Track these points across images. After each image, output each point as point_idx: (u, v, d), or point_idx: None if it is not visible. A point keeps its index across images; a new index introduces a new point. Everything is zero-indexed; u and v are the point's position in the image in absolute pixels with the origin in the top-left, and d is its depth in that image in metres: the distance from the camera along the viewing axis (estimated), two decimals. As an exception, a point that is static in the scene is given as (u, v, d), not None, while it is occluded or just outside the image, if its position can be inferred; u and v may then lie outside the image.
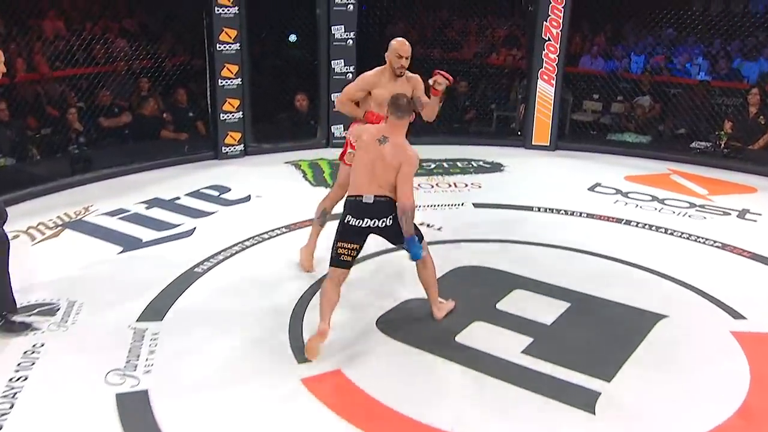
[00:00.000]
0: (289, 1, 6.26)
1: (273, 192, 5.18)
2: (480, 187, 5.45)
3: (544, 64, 6.47)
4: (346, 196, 3.21)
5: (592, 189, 5.46)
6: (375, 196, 3.10)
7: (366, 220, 3.11)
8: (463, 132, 7.23)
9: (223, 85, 5.95)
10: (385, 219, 3.12)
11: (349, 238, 3.12)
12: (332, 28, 6.26)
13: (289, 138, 6.54)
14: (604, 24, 7.47)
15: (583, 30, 7.83)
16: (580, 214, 4.82)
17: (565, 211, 4.88)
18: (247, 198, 5.03)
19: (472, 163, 6.20)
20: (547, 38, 6.40)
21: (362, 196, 3.11)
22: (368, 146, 3.14)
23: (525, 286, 3.61)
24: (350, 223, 3.12)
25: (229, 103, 6.01)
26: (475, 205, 4.96)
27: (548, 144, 6.69)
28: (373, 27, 6.73)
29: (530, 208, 4.91)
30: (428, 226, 4.46)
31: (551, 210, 4.89)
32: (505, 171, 5.99)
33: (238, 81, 6.00)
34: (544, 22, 6.37)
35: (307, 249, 3.85)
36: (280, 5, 6.31)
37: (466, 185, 5.47)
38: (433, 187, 5.43)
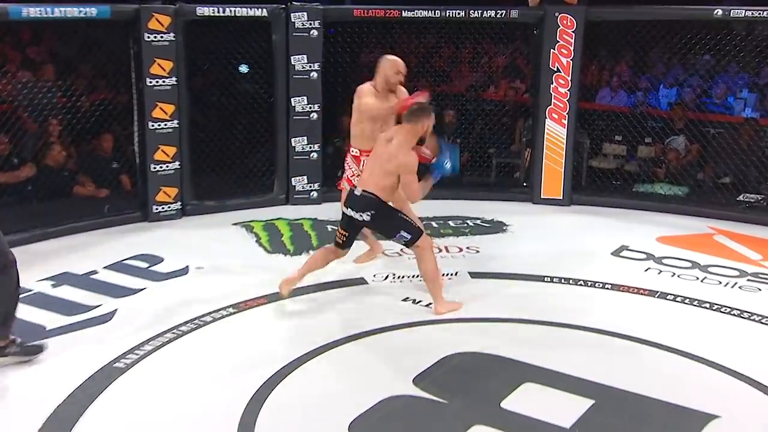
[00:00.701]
0: (238, 25, 6.44)
1: (218, 262, 5.21)
2: (477, 251, 5.54)
3: (553, 100, 6.70)
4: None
5: (617, 254, 5.56)
6: (363, 190, 4.26)
7: (350, 210, 4.30)
8: (455, 182, 7.30)
9: (155, 129, 6.04)
10: (362, 214, 4.27)
11: (343, 225, 4.40)
12: (291, 58, 6.46)
13: (240, 194, 6.63)
14: (625, 50, 7.75)
15: (600, 58, 8.16)
16: (604, 285, 4.89)
17: (584, 281, 4.95)
18: (185, 270, 5.05)
19: (467, 221, 6.29)
20: (555, 68, 6.65)
21: (356, 188, 4.32)
22: (380, 144, 4.32)
23: (537, 378, 3.62)
24: (342, 209, 4.38)
25: (162, 150, 6.11)
26: (472, 275, 5.01)
27: (561, 197, 6.85)
28: (343, 56, 6.93)
29: (541, 279, 4.98)
30: (414, 301, 4.51)
31: (567, 280, 4.96)
32: (509, 231, 6.10)
33: (174, 123, 6.11)
34: (552, 50, 6.63)
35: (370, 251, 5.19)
36: (228, 30, 6.50)
37: (460, 249, 5.55)
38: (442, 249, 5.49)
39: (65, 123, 6.29)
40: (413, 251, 4.43)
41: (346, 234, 4.40)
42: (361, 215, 4.27)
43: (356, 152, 4.89)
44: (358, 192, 4.29)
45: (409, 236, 4.32)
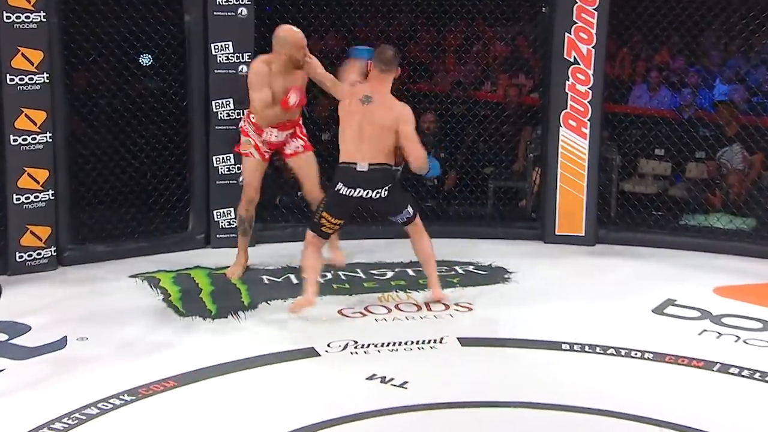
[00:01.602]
0: (138, 2, 6.45)
1: (109, 330, 5.17)
2: (470, 309, 5.57)
3: (570, 101, 6.77)
4: (339, 162, 5.09)
5: (660, 311, 5.57)
6: (369, 164, 5.01)
7: (359, 189, 5.01)
8: (439, 214, 7.37)
9: (19, 145, 5.98)
10: (379, 190, 5.06)
11: (336, 213, 5.14)
12: (212, 46, 6.47)
13: (141, 234, 6.58)
14: (667, 33, 7.82)
15: (633, 44, 8.28)
16: (642, 354, 4.88)
17: (615, 349, 4.94)
18: (61, 343, 5.00)
19: (456, 268, 6.30)
20: (572, 59, 6.74)
21: (355, 164, 5.01)
22: (351, 108, 5.07)
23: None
24: (341, 192, 5.04)
25: (29, 175, 6.05)
26: (463, 342, 5.03)
27: (582, 234, 6.91)
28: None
29: (556, 346, 4.99)
30: (383, 380, 4.50)
31: (592, 348, 4.95)
32: (512, 281, 6.13)
33: (46, 137, 6.06)
34: (567, 34, 6.72)
35: (239, 263, 6.12)
36: (123, 8, 6.48)
37: (447, 307, 5.58)
38: (390, 311, 5.55)
39: None
40: (408, 230, 5.39)
41: (341, 223, 5.25)
42: (378, 192, 5.10)
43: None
44: (363, 167, 5.04)
45: (412, 212, 5.28)
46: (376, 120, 5.09)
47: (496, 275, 6.21)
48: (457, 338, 5.07)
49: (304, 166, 6.05)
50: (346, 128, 5.16)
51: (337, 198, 5.14)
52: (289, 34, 5.72)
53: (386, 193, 5.14)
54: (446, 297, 5.58)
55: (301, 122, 6.07)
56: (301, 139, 6.06)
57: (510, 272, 6.27)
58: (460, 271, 6.26)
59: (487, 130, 7.56)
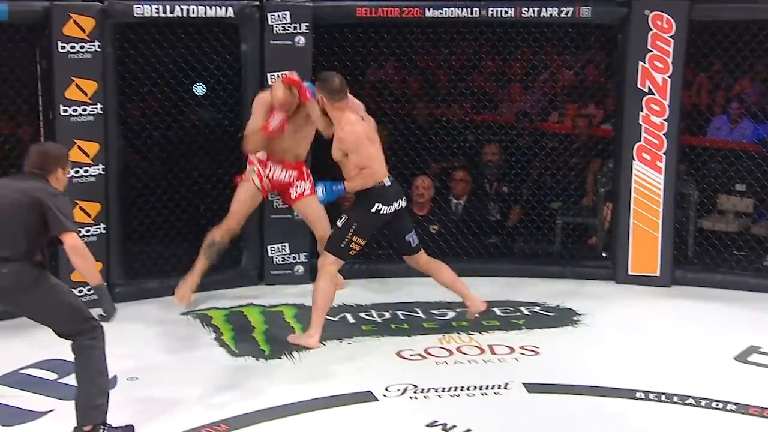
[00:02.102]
0: (193, 30, 6.49)
1: (159, 370, 5.20)
2: (537, 353, 5.52)
3: (644, 134, 6.70)
4: (373, 185, 5.43)
5: (742, 358, 5.48)
6: (387, 177, 5.52)
7: (393, 204, 5.47)
8: (503, 251, 7.32)
9: (71, 178, 5.97)
10: (400, 199, 5.57)
11: (367, 235, 5.52)
12: (268, 75, 6.51)
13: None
14: (749, 61, 7.67)
15: (712, 73, 8.17)
16: (725, 405, 4.79)
17: (694, 399, 4.86)
18: (111, 382, 4.81)
19: (522, 309, 6.28)
20: (646, 89, 6.67)
21: (383, 181, 5.47)
22: (368, 129, 5.55)
23: None
24: (381, 212, 5.44)
25: (80, 208, 6.11)
26: (530, 388, 4.99)
27: (658, 274, 6.81)
28: (342, 72, 7.00)
29: (631, 394, 4.93)
30: (445, 428, 4.46)
31: (669, 397, 4.88)
32: (582, 324, 6.09)
33: (98, 169, 6.14)
34: (641, 63, 6.66)
35: (188, 284, 6.16)
36: (178, 37, 6.53)
37: (511, 350, 5.55)
38: (451, 353, 5.49)
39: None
40: (420, 259, 5.79)
41: (365, 244, 5.55)
42: (400, 201, 5.56)
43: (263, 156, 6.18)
44: (388, 182, 5.49)
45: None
46: (376, 137, 5.62)
47: (564, 317, 6.16)
48: (523, 384, 5.02)
49: (314, 208, 6.15)
50: (374, 148, 5.51)
51: (372, 219, 5.46)
52: (274, 90, 6.01)
53: (405, 201, 5.64)
54: (485, 305, 5.87)
55: (306, 165, 6.28)
56: (308, 182, 6.20)
57: (579, 314, 6.21)
58: (526, 312, 6.23)
59: (555, 162, 7.51)
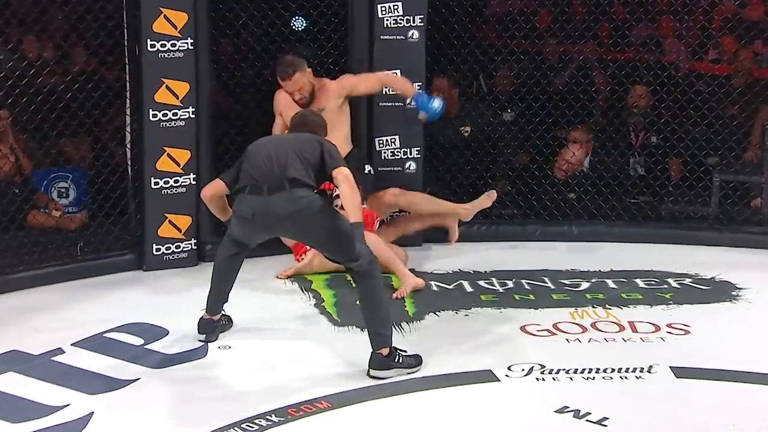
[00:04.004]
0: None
1: (253, 339, 5.29)
2: (687, 332, 5.47)
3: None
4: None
5: None
6: None
7: None
8: (649, 213, 7.26)
9: (158, 121, 6.19)
10: None
11: None
12: (378, 7, 6.54)
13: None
14: None
15: None
16: None
17: None
18: (201, 351, 5.13)
19: (670, 280, 6.24)
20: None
21: None
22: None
23: None
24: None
25: (169, 155, 6.27)
26: (678, 373, 4.94)
27: (836, 242, 6.68)
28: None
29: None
30: (577, 414, 4.42)
31: None
32: (742, 299, 6.02)
33: (188, 112, 6.26)
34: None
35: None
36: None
37: (657, 328, 5.50)
38: (584, 330, 5.48)
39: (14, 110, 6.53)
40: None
41: None
42: None
43: None
44: None
45: None
46: None
47: (720, 292, 6.09)
48: (670, 367, 4.94)
49: None
50: None
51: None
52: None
53: None
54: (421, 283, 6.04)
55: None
56: None
57: (738, 288, 6.14)
58: (675, 284, 6.18)
59: (711, 110, 7.35)
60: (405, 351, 4.83)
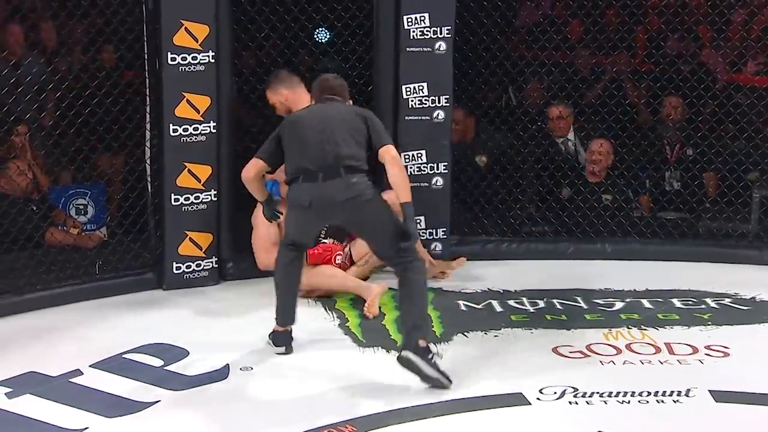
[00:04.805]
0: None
1: (276, 360, 5.32)
2: (726, 354, 5.45)
3: None
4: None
5: None
6: None
7: None
8: (686, 231, 7.23)
9: (179, 136, 6.27)
10: None
11: None
12: (404, 18, 6.58)
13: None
14: None
15: None
16: None
17: None
18: (222, 372, 5.14)
19: (708, 300, 6.23)
20: None
21: None
22: None
23: None
24: None
25: (189, 171, 6.33)
26: (717, 396, 4.90)
27: None
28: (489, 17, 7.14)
29: None
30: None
31: None
32: None
33: (210, 127, 6.33)
34: None
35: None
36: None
37: (695, 350, 5.48)
38: (619, 352, 5.47)
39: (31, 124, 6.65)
40: None
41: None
42: None
43: None
44: None
45: None
46: None
47: (761, 312, 6.07)
48: (709, 391, 4.90)
49: None
50: None
51: None
52: None
53: None
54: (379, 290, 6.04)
55: None
56: None
57: (783, 309, 5.99)
58: (713, 304, 6.17)
59: (752, 123, 7.35)
60: (440, 355, 4.91)
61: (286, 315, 5.31)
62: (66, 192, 7.23)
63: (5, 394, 4.83)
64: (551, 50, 7.42)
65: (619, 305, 6.15)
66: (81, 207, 7.27)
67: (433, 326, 5.70)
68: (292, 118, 5.21)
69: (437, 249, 6.84)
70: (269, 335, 5.35)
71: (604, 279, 6.40)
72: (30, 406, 4.72)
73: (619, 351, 5.46)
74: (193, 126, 6.29)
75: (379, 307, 6.06)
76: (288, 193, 5.08)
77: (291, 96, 6.04)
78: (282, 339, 5.32)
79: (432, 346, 4.87)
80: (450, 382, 4.81)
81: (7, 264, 6.31)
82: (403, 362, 4.81)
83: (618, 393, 4.87)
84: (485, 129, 7.65)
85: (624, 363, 5.31)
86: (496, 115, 7.61)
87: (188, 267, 6.42)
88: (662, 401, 4.81)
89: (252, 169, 5.20)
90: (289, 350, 5.32)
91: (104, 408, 4.71)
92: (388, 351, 5.41)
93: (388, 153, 4.95)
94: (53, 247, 6.65)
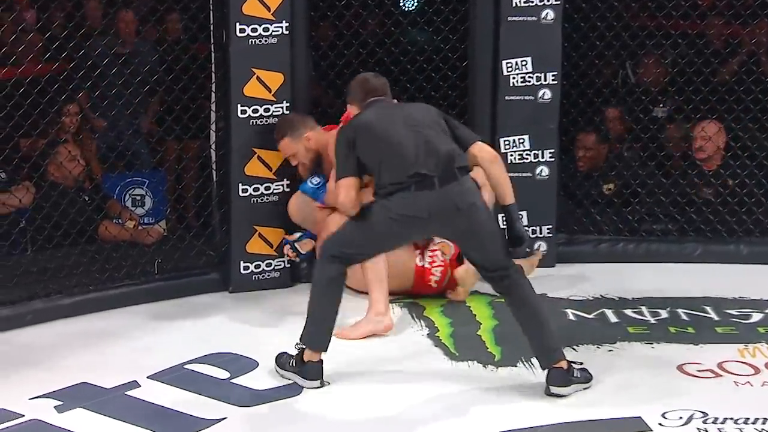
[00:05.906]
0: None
1: (356, 373, 5.27)
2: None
3: None
4: None
5: None
6: None
7: None
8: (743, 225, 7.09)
9: (248, 117, 6.21)
10: None
11: None
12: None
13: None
14: None
15: None
16: None
17: None
18: (296, 386, 5.11)
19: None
20: None
21: None
22: None
23: None
24: None
25: (259, 158, 6.29)
26: None
27: None
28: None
29: None
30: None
31: None
32: None
33: (282, 108, 6.25)
34: None
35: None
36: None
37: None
38: (757, 371, 5.30)
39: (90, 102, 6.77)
40: None
41: None
42: None
43: None
44: None
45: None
46: None
47: None
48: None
49: None
50: None
51: None
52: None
53: None
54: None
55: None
56: None
57: None
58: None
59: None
60: (580, 362, 4.97)
61: (321, 338, 5.04)
62: (122, 181, 7.34)
63: (55, 407, 4.86)
64: (677, 19, 7.20)
65: (756, 317, 6.00)
66: (138, 198, 7.39)
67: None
68: (358, 122, 4.95)
69: (541, 249, 6.68)
70: (295, 359, 5.07)
71: (739, 286, 6.27)
72: (82, 421, 4.74)
73: (757, 370, 5.28)
74: (263, 107, 6.23)
75: (474, 315, 5.97)
76: (383, 204, 4.78)
77: (315, 135, 5.98)
78: (315, 371, 5.04)
79: (569, 363, 4.86)
80: (592, 378, 4.93)
81: (56, 261, 6.30)
82: (553, 396, 4.82)
83: (756, 420, 4.67)
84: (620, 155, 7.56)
85: (763, 385, 5.13)
86: (611, 95, 7.46)
87: (257, 267, 6.38)
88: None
89: (352, 192, 4.85)
90: (323, 384, 5.05)
91: (164, 425, 4.74)
92: (484, 366, 5.34)
93: (485, 150, 4.83)
94: (107, 243, 6.67)
